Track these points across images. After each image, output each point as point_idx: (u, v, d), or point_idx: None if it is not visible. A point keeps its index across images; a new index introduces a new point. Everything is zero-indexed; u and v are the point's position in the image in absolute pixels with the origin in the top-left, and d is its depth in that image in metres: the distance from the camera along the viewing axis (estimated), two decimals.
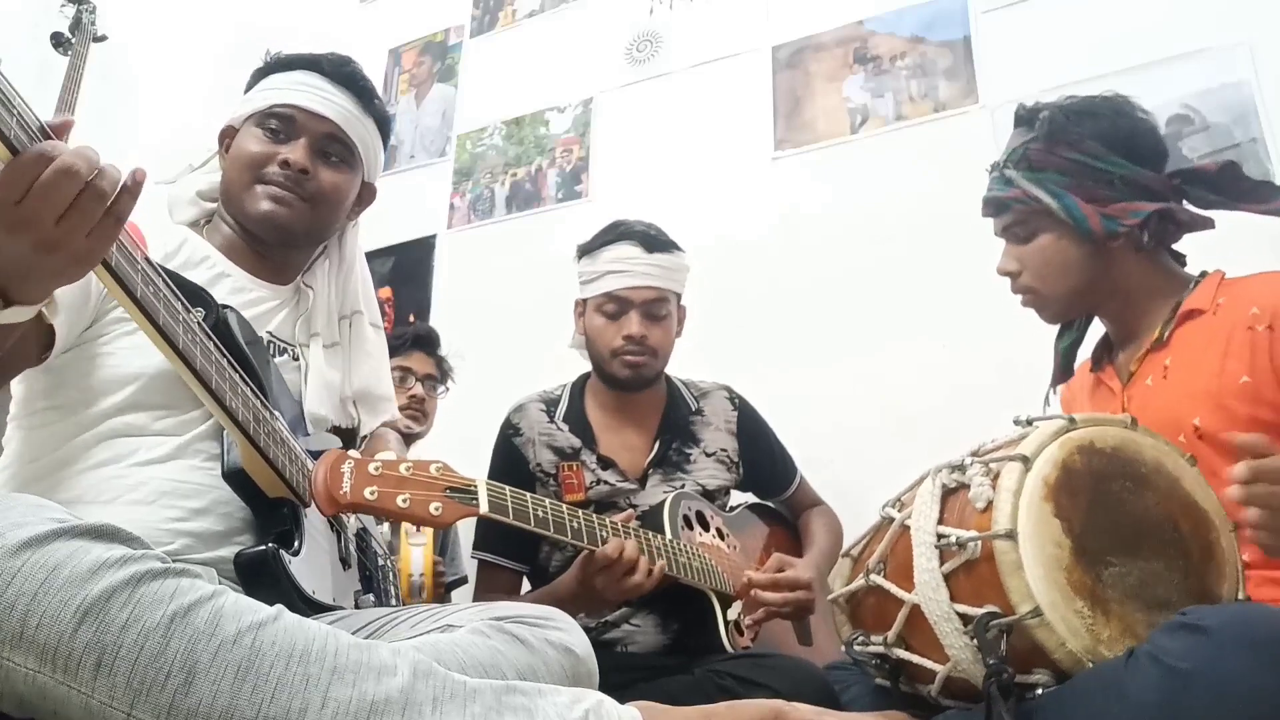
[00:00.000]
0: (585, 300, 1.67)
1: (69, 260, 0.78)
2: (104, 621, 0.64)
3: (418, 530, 1.74)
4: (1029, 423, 0.98)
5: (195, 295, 1.05)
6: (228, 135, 1.27)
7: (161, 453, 1.03)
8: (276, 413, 1.08)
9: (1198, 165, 1.23)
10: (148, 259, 0.88)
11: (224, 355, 0.98)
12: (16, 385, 1.08)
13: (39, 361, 0.97)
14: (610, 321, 1.62)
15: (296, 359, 1.26)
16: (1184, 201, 1.22)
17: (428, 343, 2.17)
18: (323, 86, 1.24)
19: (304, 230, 1.23)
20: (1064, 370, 1.34)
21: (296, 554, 1.01)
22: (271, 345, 1.21)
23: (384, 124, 1.33)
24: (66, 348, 1.02)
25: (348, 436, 1.36)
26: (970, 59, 2.16)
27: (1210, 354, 1.12)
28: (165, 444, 1.03)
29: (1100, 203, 1.19)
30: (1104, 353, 1.31)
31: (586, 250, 1.68)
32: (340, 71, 1.26)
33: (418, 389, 2.09)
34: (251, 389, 1.02)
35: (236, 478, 1.02)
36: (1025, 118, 1.29)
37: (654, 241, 1.63)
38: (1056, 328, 1.35)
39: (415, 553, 1.77)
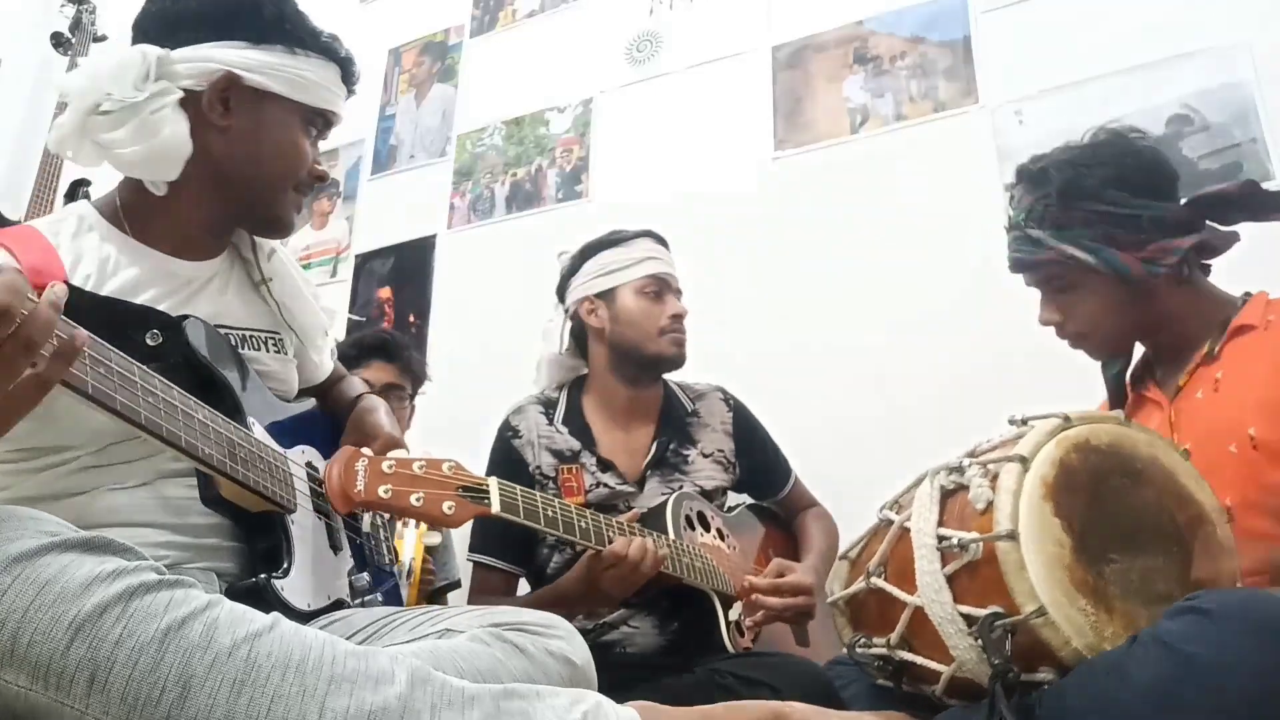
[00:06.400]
0: (612, 290, 1.66)
1: None
2: (97, 637, 0.63)
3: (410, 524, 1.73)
4: (1024, 422, 0.99)
5: (148, 319, 1.00)
6: (233, 88, 1.07)
7: (143, 476, 0.99)
8: (251, 421, 1.05)
9: (1219, 190, 1.23)
10: (92, 336, 0.78)
11: (187, 398, 0.92)
12: None
13: None
14: (654, 303, 1.65)
15: (278, 346, 1.20)
16: (1207, 222, 1.22)
17: (383, 350, 1.97)
18: (342, 93, 1.18)
19: None
20: (1118, 396, 1.34)
21: (286, 573, 1.00)
22: (236, 338, 1.13)
23: None
24: None
25: (320, 400, 1.30)
26: (970, 59, 2.16)
27: (1263, 365, 1.14)
28: (146, 467, 0.99)
29: (1135, 247, 1.20)
30: (1144, 371, 1.32)
31: (611, 243, 1.69)
32: (351, 86, 1.20)
33: None
34: (223, 418, 0.98)
35: (216, 504, 1.00)
36: (1033, 174, 1.28)
37: (665, 242, 1.73)
38: (1051, 328, 1.35)
39: (406, 540, 1.77)
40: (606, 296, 1.67)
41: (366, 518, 1.28)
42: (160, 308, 1.03)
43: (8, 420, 0.70)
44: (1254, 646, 0.73)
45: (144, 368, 0.88)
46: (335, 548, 1.15)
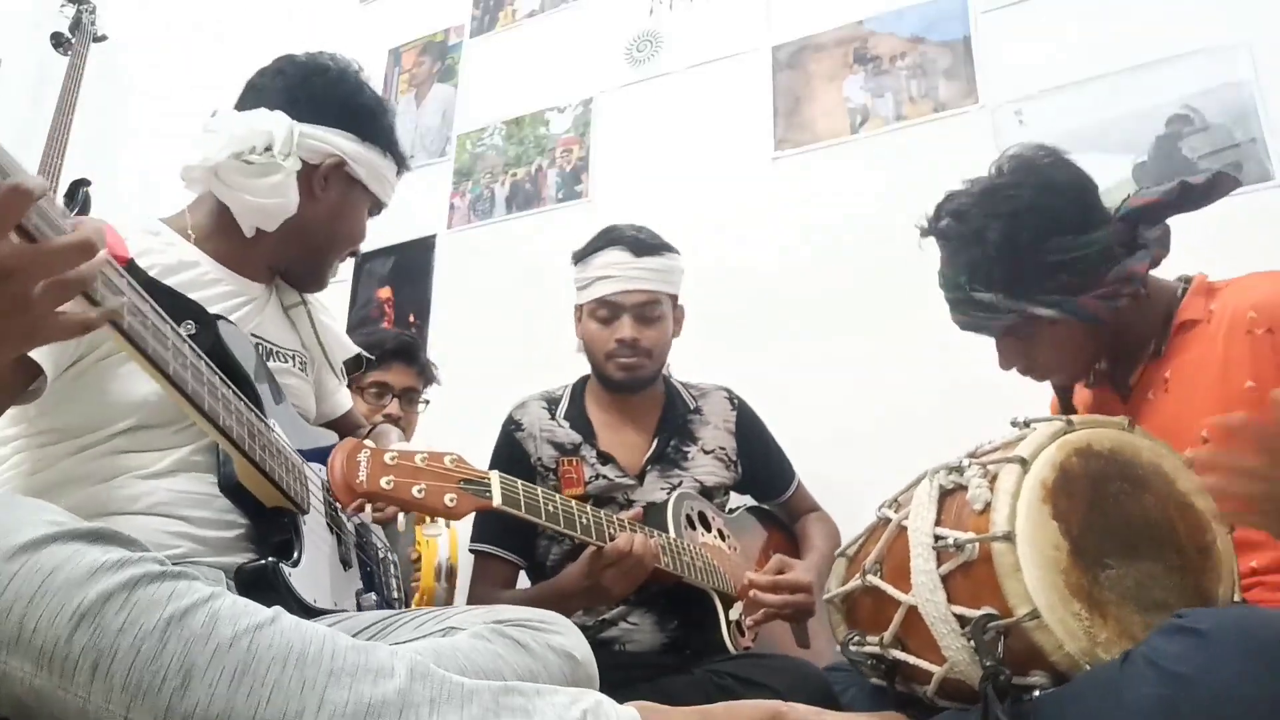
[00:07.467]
0: (581, 306, 1.69)
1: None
2: (100, 625, 0.63)
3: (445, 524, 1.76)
4: (1026, 424, 0.99)
5: (185, 308, 1.04)
6: (335, 170, 1.23)
7: (163, 466, 1.02)
8: (272, 421, 1.08)
9: (1153, 201, 1.17)
10: (131, 282, 0.85)
11: (215, 372, 0.97)
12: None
13: (28, 399, 0.95)
14: (603, 326, 1.64)
15: (303, 366, 1.27)
16: (1141, 226, 1.18)
17: (407, 353, 1.99)
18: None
19: None
20: (1066, 405, 1.33)
21: (296, 564, 1.01)
22: (265, 349, 1.20)
23: None
24: (56, 376, 0.98)
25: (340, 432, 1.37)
26: (970, 59, 2.15)
27: (1210, 363, 1.12)
28: (167, 457, 1.03)
29: (1093, 286, 1.16)
30: (1098, 373, 1.30)
31: (579, 257, 1.70)
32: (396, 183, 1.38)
33: (393, 407, 1.94)
34: (246, 403, 1.01)
35: (234, 491, 1.02)
36: (962, 234, 1.22)
37: (643, 245, 1.64)
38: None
39: (441, 539, 1.80)
40: (579, 310, 1.70)
41: (376, 540, 1.30)
42: (215, 309, 1.11)
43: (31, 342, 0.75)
44: (1250, 669, 0.72)
45: (178, 330, 0.92)
46: (345, 564, 1.17)
